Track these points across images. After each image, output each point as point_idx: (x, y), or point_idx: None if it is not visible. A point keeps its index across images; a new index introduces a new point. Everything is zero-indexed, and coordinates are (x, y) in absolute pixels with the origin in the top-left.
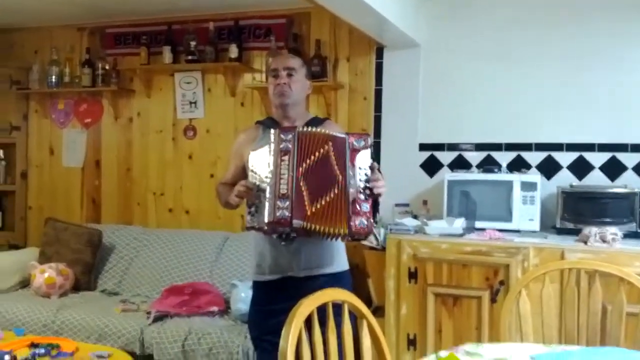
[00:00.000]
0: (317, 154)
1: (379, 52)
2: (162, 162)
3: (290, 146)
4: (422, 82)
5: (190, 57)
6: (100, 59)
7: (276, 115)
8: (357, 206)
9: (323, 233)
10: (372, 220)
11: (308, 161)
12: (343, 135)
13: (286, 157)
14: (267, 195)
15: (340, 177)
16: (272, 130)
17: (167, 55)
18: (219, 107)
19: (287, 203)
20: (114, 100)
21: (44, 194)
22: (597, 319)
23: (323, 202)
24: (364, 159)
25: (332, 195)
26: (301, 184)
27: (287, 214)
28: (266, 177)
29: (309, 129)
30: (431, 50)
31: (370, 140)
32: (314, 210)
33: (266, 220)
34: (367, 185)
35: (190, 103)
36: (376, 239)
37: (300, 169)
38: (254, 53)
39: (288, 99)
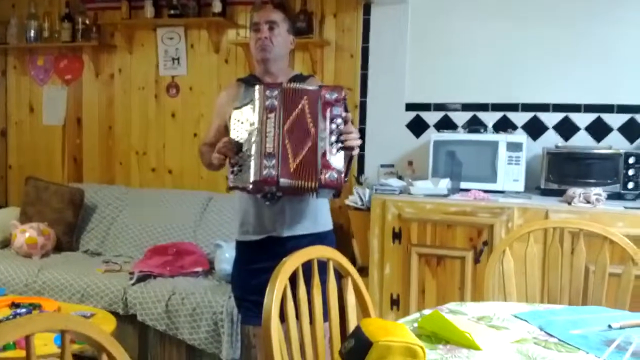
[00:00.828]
0: (296, 110)
1: (366, 8)
2: (144, 120)
3: (276, 103)
4: (410, 40)
5: (172, 12)
6: (80, 13)
7: (258, 71)
8: (327, 159)
9: (298, 188)
10: (342, 174)
11: (291, 118)
12: (316, 89)
13: (272, 115)
14: (253, 153)
15: (313, 130)
16: (257, 87)
17: (149, 9)
18: (202, 64)
19: (274, 161)
20: (95, 56)
21: (24, 152)
22: (580, 278)
23: (300, 158)
24: (336, 111)
25: (307, 148)
26: (286, 141)
27: (273, 172)
28: (250, 134)
29: (295, 85)
30: (419, 6)
31: (344, 92)
32: (294, 166)
33: (252, 179)
34: (340, 138)
35: (173, 59)
36: (361, 199)
37: (285, 126)
38: (238, 8)
39: (269, 53)
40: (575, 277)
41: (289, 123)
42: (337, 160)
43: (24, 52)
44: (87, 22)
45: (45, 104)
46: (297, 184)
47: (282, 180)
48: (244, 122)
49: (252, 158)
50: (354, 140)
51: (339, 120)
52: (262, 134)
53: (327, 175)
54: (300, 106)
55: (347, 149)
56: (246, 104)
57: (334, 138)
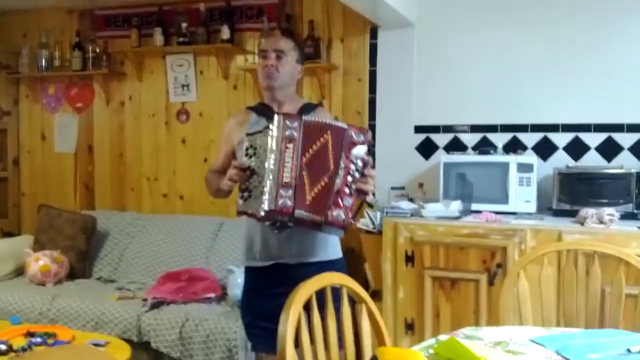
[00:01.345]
0: (318, 143)
1: (373, 32)
2: (155, 147)
3: (295, 134)
4: (417, 63)
5: (181, 39)
6: (90, 41)
7: (266, 98)
8: (339, 198)
9: (310, 221)
10: (350, 216)
11: (311, 151)
12: (344, 126)
13: (291, 145)
14: (269, 182)
15: (332, 166)
16: (277, 116)
17: (158, 37)
18: (211, 90)
19: (290, 192)
20: (105, 84)
21: (37, 180)
22: (596, 300)
23: (317, 191)
24: (359, 153)
25: (324, 183)
26: (304, 173)
27: (289, 203)
28: (265, 162)
29: (316, 118)
30: (425, 29)
31: (369, 135)
32: (310, 199)
33: (266, 207)
34: (356, 179)
35: (183, 86)
36: (372, 222)
37: (304, 158)
38: (246, 34)
39: (275, 81)
40: (591, 300)
41: (309, 156)
42: (348, 200)
43: (35, 81)
44: (98, 50)
45: (57, 132)
46: (311, 217)
47: (297, 211)
48: (257, 149)
49: (267, 186)
50: (370, 185)
51: (360, 163)
52: (280, 163)
53: (334, 213)
54: (322, 140)
55: (361, 192)
56: (260, 131)
57: (350, 178)
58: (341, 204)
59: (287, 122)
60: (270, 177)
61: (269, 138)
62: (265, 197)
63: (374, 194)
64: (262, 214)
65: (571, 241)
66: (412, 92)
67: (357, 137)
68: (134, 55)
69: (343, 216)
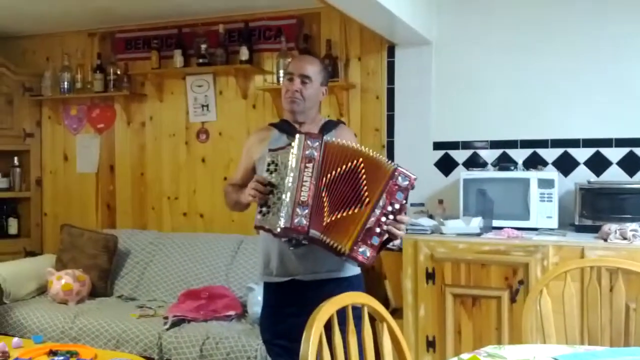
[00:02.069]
0: (343, 167)
1: (391, 50)
2: (175, 166)
3: (316, 154)
4: (435, 79)
5: (201, 60)
6: (111, 64)
7: (287, 116)
8: (369, 236)
9: (327, 244)
10: (373, 255)
11: (334, 173)
12: (393, 167)
13: (310, 165)
14: (287, 200)
15: (368, 200)
16: (298, 135)
17: (178, 58)
18: (231, 110)
19: (307, 211)
20: (126, 105)
21: (59, 200)
22: (620, 317)
23: (339, 216)
24: (399, 196)
25: (351, 212)
26: (323, 194)
27: (304, 222)
28: (284, 179)
29: (339, 141)
30: (443, 47)
31: (414, 183)
32: (329, 221)
33: (282, 225)
34: (389, 222)
35: (202, 106)
36: None
37: (324, 179)
38: (264, 55)
39: (298, 106)
40: (616, 317)
41: (331, 177)
42: (376, 240)
43: (58, 103)
44: (119, 72)
45: (79, 153)
46: (327, 239)
47: (312, 231)
48: (278, 165)
49: (285, 204)
50: (401, 232)
51: (397, 206)
52: (299, 182)
53: (360, 249)
54: (351, 165)
55: (391, 236)
56: (283, 148)
57: (384, 219)
58: (369, 242)
59: (308, 142)
60: (288, 194)
61: (290, 156)
62: (282, 214)
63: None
64: (279, 230)
65: (594, 258)
66: (430, 108)
67: (403, 182)
68: (154, 77)
69: (368, 254)
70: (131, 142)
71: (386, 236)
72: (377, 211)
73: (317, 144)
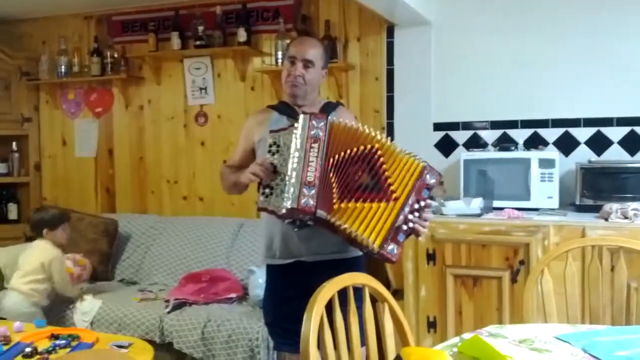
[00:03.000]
0: (354, 149)
1: (390, 31)
2: (174, 150)
3: (321, 134)
4: (434, 60)
5: (198, 43)
6: (108, 47)
7: (287, 99)
8: (397, 233)
9: (346, 232)
10: (400, 252)
11: (342, 154)
12: (422, 163)
13: (316, 145)
14: (292, 180)
15: (395, 195)
16: (302, 115)
17: (175, 41)
18: (229, 92)
19: (313, 192)
20: (124, 89)
21: (58, 184)
22: (622, 296)
23: (358, 204)
24: (425, 194)
25: (375, 204)
26: (330, 175)
27: (311, 202)
28: (287, 160)
29: (343, 122)
30: (443, 27)
31: (440, 180)
32: (343, 205)
33: (289, 205)
34: (415, 219)
35: (201, 89)
36: None
37: (332, 160)
38: (262, 36)
39: (299, 90)
40: (617, 295)
41: (340, 159)
42: (403, 237)
43: (55, 87)
44: (116, 55)
45: (78, 137)
46: (347, 228)
47: (319, 211)
48: (280, 146)
49: (291, 184)
50: (426, 229)
51: (422, 203)
52: (304, 162)
53: (389, 247)
54: (364, 150)
55: (415, 233)
56: (284, 129)
57: (411, 216)
58: (397, 239)
59: (314, 122)
60: (294, 174)
61: (293, 136)
62: (288, 194)
63: None
64: (284, 211)
65: (595, 237)
66: (430, 89)
67: (431, 179)
68: (152, 60)
69: (395, 252)
70: (130, 125)
71: (411, 233)
72: (407, 209)
73: (322, 124)
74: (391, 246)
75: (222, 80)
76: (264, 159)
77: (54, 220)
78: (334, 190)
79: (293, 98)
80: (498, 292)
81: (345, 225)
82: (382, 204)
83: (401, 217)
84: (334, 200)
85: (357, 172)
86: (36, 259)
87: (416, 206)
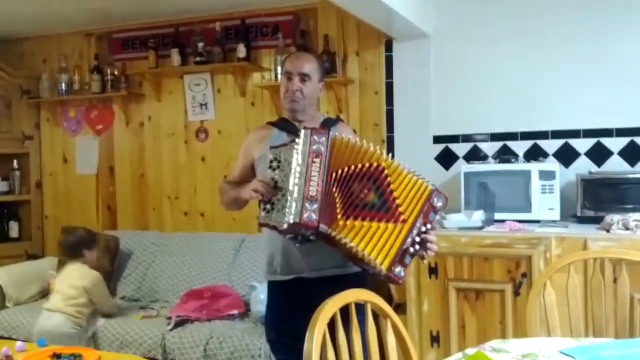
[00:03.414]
0: (359, 166)
1: (388, 44)
2: (175, 166)
3: (322, 149)
4: (433, 73)
5: (198, 59)
6: (108, 64)
7: (287, 115)
8: (405, 255)
9: (352, 250)
10: (405, 274)
11: (346, 170)
12: (430, 186)
13: (318, 160)
14: (295, 195)
15: (404, 217)
16: (304, 130)
17: (175, 57)
18: (229, 108)
19: (315, 206)
20: (125, 106)
21: (60, 202)
22: (625, 308)
23: (370, 222)
24: (432, 216)
25: (382, 224)
26: (333, 189)
27: (314, 216)
28: (287, 175)
29: (345, 137)
30: (441, 40)
31: (446, 204)
32: (348, 222)
33: (291, 220)
34: (421, 242)
35: (201, 105)
36: None
37: (334, 174)
38: (262, 52)
39: (298, 104)
40: (620, 308)
41: (343, 175)
42: (409, 259)
43: (56, 105)
44: (116, 72)
45: (78, 154)
46: (353, 246)
47: (321, 226)
48: (281, 161)
49: (293, 199)
50: (432, 252)
51: (429, 225)
52: (306, 176)
53: (396, 270)
54: (369, 168)
55: (420, 256)
56: (285, 145)
57: (418, 239)
58: (404, 262)
59: (315, 137)
60: (296, 189)
61: (294, 152)
62: (289, 209)
63: None
64: (285, 226)
65: (598, 249)
66: (429, 102)
67: (438, 202)
68: (152, 76)
69: (402, 274)
70: (130, 142)
71: (417, 255)
72: (414, 231)
73: (324, 139)
74: (398, 268)
75: (222, 95)
76: (265, 175)
77: (91, 239)
78: (338, 205)
79: (292, 113)
80: (501, 305)
81: (352, 244)
82: (390, 225)
83: (409, 239)
84: (338, 216)
85: (363, 189)
86: (78, 282)
87: (423, 229)
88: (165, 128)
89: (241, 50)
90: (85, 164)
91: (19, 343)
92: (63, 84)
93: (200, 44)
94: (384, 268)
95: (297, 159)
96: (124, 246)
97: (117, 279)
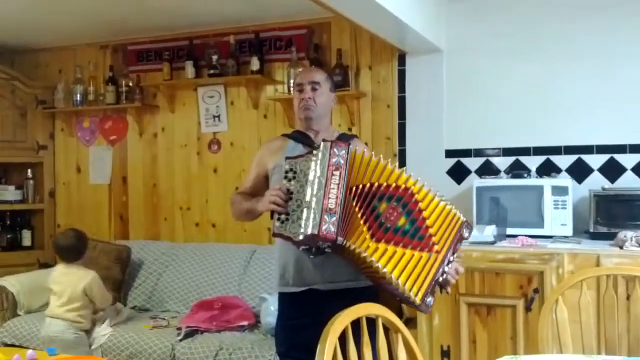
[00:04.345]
0: (386, 184)
1: (401, 58)
2: (187, 177)
3: (342, 162)
4: (446, 87)
5: (212, 71)
6: (123, 76)
7: (301, 127)
8: (435, 286)
9: (385, 276)
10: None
11: (368, 185)
12: (462, 218)
13: (337, 173)
14: (313, 206)
15: (437, 248)
16: (324, 142)
17: (189, 70)
18: (242, 120)
19: (334, 219)
20: (139, 117)
21: (72, 211)
22: (638, 326)
23: (404, 249)
24: (459, 245)
25: (415, 252)
26: (353, 204)
27: (332, 229)
28: (303, 187)
29: (365, 152)
30: (453, 54)
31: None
32: (380, 246)
33: (309, 232)
34: (449, 271)
35: (214, 117)
36: None
37: (354, 189)
38: (275, 65)
39: (312, 112)
40: (633, 325)
41: (364, 190)
42: (437, 287)
43: (70, 115)
44: (131, 84)
45: (92, 164)
46: (386, 272)
47: (339, 239)
48: (297, 172)
49: (311, 210)
50: (454, 281)
51: (455, 255)
52: (326, 188)
53: (428, 300)
54: (397, 188)
55: (446, 284)
56: (301, 156)
57: (446, 269)
58: (434, 291)
59: (335, 150)
60: (314, 201)
61: (312, 163)
62: (307, 221)
63: None
64: (301, 237)
65: (611, 266)
66: (442, 116)
67: (466, 233)
68: (166, 88)
69: (431, 302)
70: (143, 153)
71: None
72: (445, 262)
73: (344, 152)
74: (429, 299)
75: (235, 108)
76: (281, 185)
77: (84, 243)
78: (360, 222)
79: (307, 122)
80: (512, 321)
81: (385, 270)
82: (425, 255)
83: (441, 269)
84: (366, 235)
85: (392, 212)
86: (76, 285)
87: (451, 258)
88: (178, 139)
89: (255, 64)
90: (98, 174)
91: (30, 351)
92: (78, 95)
93: (215, 57)
94: (418, 300)
95: (315, 170)
96: (136, 256)
97: (128, 288)
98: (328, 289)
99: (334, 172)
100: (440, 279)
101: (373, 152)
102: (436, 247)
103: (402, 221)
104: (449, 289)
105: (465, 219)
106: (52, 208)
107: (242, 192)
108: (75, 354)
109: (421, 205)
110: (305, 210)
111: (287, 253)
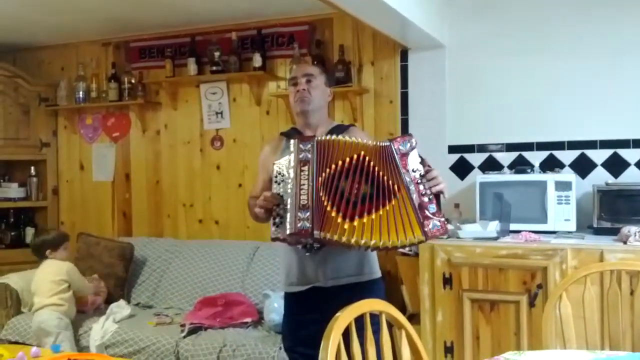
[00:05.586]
0: (347, 160)
1: (404, 54)
2: (190, 174)
3: (309, 156)
4: (449, 83)
5: (214, 68)
6: (126, 73)
7: (298, 124)
8: (425, 210)
9: (378, 247)
10: (443, 219)
11: (329, 170)
12: (386, 144)
13: (305, 168)
14: (288, 206)
15: (396, 185)
16: (292, 141)
17: (191, 66)
18: (244, 117)
19: (308, 214)
20: (141, 114)
21: (76, 209)
22: None
23: (378, 213)
24: (414, 160)
25: (388, 207)
26: (321, 193)
27: (307, 224)
28: (287, 187)
29: (329, 137)
30: (456, 50)
31: (414, 140)
32: (356, 224)
33: (287, 231)
34: (426, 185)
35: (217, 113)
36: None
37: (320, 178)
38: (277, 61)
39: (308, 105)
40: (637, 320)
41: (329, 175)
42: (433, 207)
43: (73, 113)
44: (133, 81)
45: (95, 161)
46: (373, 241)
47: (315, 232)
48: (283, 175)
49: (288, 210)
50: (442, 184)
51: (420, 167)
52: (297, 186)
53: (430, 226)
54: (353, 160)
55: (437, 194)
56: (285, 157)
57: (422, 187)
58: (429, 214)
59: (301, 145)
60: (289, 201)
61: (288, 163)
62: (289, 221)
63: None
64: (284, 238)
65: (614, 261)
66: (445, 112)
67: (405, 147)
68: (169, 85)
69: (438, 224)
70: (146, 150)
71: (436, 198)
72: (412, 187)
73: (309, 145)
74: (431, 224)
75: (238, 104)
76: (270, 192)
77: (55, 241)
78: (328, 206)
79: (304, 115)
80: (516, 316)
81: (374, 241)
82: (394, 201)
83: (414, 196)
84: (338, 220)
85: (353, 184)
86: (52, 276)
87: (417, 175)
88: (181, 136)
89: (257, 60)
90: (101, 171)
91: (34, 349)
92: (81, 92)
93: (217, 54)
94: (421, 237)
95: (289, 169)
96: (139, 253)
97: (131, 285)
98: (331, 285)
99: (302, 168)
100: (425, 198)
101: (367, 139)
102: (395, 187)
103: (364, 189)
104: (445, 195)
105: (388, 142)
106: (56, 205)
107: (254, 196)
108: (60, 338)
109: (372, 162)
110: (287, 210)
111: (290, 254)
